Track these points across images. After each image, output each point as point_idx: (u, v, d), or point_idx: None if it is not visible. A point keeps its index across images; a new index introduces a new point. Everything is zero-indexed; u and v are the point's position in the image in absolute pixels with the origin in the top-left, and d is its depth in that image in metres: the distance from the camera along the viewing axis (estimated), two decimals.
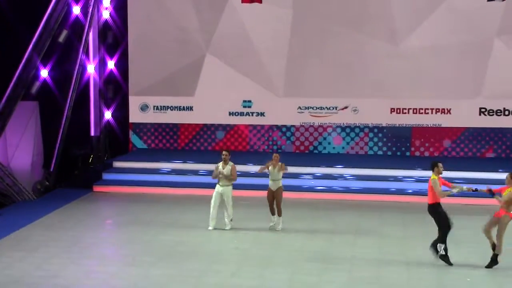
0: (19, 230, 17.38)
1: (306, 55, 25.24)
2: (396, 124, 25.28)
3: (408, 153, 25.39)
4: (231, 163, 17.39)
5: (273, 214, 17.58)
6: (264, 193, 17.67)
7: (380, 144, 25.47)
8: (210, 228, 17.50)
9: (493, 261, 14.48)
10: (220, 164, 17.46)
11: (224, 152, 17.48)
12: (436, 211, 14.78)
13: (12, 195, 21.02)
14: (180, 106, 26.06)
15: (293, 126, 25.69)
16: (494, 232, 14.52)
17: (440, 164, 14.97)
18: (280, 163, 17.43)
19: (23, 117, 22.80)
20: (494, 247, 14.48)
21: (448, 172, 20.45)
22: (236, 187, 18.09)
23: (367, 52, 25.00)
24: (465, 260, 15.03)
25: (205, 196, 21.04)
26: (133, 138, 26.40)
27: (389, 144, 25.43)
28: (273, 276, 13.97)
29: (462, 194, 20.77)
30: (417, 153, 25.33)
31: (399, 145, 25.40)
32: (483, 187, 15.07)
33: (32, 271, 14.16)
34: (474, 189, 14.96)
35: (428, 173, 22.10)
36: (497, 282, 13.75)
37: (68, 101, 23.76)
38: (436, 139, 25.27)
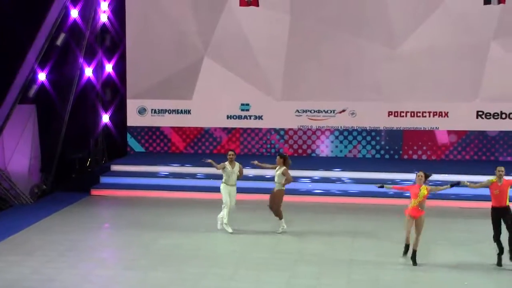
0: (16, 233, 17.34)
1: (304, 58, 25.26)
2: (393, 127, 25.30)
3: (405, 157, 25.40)
4: (238, 163, 17.52)
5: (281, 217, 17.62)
6: (261, 196, 17.68)
7: (378, 147, 25.47)
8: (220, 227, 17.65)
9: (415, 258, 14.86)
10: (227, 164, 17.48)
11: (230, 152, 17.58)
12: None
13: (9, 199, 20.99)
14: (178, 110, 26.06)
15: (291, 129, 25.72)
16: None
17: (497, 168, 14.97)
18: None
19: (20, 120, 22.78)
20: (408, 247, 14.96)
21: (446, 175, 20.63)
22: None
23: (365, 55, 25.03)
24: (462, 263, 15.02)
25: (203, 200, 21.12)
26: (131, 141, 26.38)
27: (387, 147, 25.44)
28: (271, 279, 13.95)
29: (458, 198, 21.09)
30: (415, 156, 25.34)
31: (397, 149, 25.41)
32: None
33: (29, 274, 14.14)
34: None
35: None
36: (496, 286, 13.74)
37: (66, 105, 23.74)
38: (434, 142, 25.29)
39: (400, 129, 25.31)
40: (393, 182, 22.05)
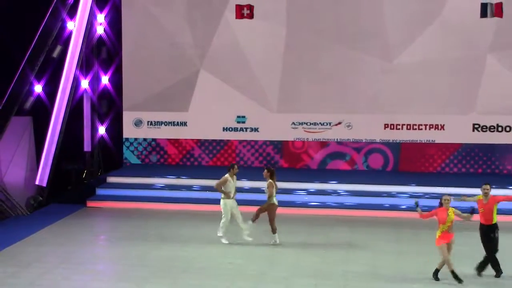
0: (12, 245, 17.31)
1: (300, 70, 25.29)
2: (390, 140, 25.31)
3: (402, 169, 25.37)
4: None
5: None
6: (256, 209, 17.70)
7: (374, 159, 25.46)
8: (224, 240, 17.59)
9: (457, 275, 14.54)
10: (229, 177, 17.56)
11: (236, 166, 17.89)
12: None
13: (5, 210, 20.95)
14: (174, 122, 26.06)
15: (287, 141, 25.72)
16: None
17: (482, 186, 14.94)
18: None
19: (16, 132, 22.80)
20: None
21: (442, 188, 20.63)
22: None
23: (361, 68, 25.06)
24: (460, 276, 15.01)
25: (198, 212, 21.13)
26: (127, 153, 26.37)
27: (384, 160, 25.43)
28: None
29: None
30: (411, 169, 25.30)
31: (393, 161, 25.41)
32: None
33: (25, 286, 14.09)
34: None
35: (420, 188, 22.33)
36: None
37: (62, 116, 23.72)
38: (430, 155, 25.30)
39: (397, 142, 25.31)
40: (388, 194, 22.13)
